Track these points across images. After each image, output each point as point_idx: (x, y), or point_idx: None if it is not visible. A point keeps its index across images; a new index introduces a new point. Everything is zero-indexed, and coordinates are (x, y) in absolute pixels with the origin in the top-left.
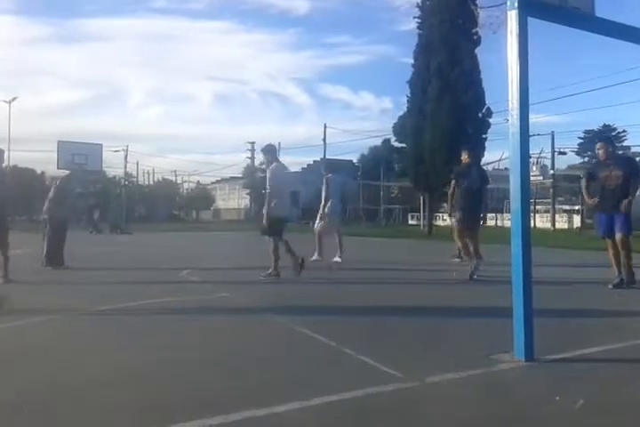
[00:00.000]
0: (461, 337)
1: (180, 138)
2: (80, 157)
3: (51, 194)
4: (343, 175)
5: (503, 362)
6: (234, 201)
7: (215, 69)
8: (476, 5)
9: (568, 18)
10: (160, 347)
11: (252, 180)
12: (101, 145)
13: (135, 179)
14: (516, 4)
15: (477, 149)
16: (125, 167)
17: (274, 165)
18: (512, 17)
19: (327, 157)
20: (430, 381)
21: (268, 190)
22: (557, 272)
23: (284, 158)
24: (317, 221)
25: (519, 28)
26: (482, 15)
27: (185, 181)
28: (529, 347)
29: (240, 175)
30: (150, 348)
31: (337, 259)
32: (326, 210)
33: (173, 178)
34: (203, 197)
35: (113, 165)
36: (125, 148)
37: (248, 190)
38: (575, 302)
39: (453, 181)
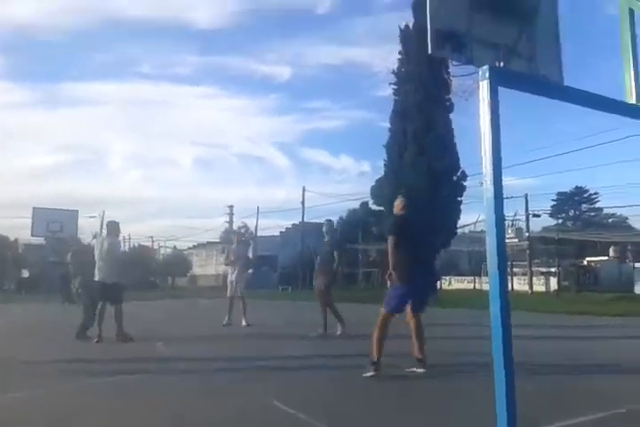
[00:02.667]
0: (442, 413)
1: (159, 202)
2: (55, 225)
3: None
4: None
5: None
6: (211, 267)
7: (197, 133)
8: (448, 74)
9: (538, 87)
10: None
11: (230, 245)
12: (77, 211)
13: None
14: (487, 75)
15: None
16: (101, 234)
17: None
18: (483, 87)
19: (306, 220)
20: None
21: None
22: (538, 336)
23: (263, 222)
24: None
25: (490, 97)
26: (454, 83)
27: (161, 247)
28: (511, 421)
29: (218, 240)
30: None
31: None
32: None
33: (150, 243)
34: (179, 262)
35: (88, 232)
36: (102, 213)
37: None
38: (554, 368)
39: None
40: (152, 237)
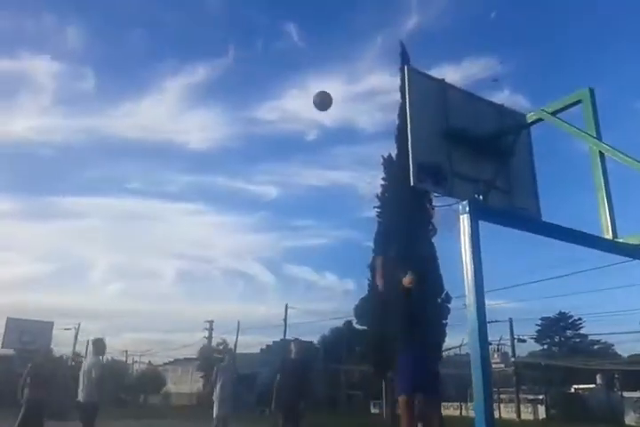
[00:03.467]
0: None
1: (137, 315)
2: (28, 335)
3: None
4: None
5: None
6: (186, 384)
7: (182, 247)
8: (430, 203)
9: (517, 222)
10: None
11: (207, 361)
12: (52, 323)
13: (83, 358)
14: (467, 209)
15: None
16: (75, 346)
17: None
18: (464, 220)
19: (288, 337)
20: None
21: None
22: None
23: (243, 338)
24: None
25: (471, 229)
26: (436, 212)
27: (136, 362)
28: None
29: (195, 356)
30: None
31: None
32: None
33: (124, 358)
34: (153, 379)
35: (61, 344)
36: (77, 326)
37: (202, 373)
38: None
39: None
40: (127, 351)
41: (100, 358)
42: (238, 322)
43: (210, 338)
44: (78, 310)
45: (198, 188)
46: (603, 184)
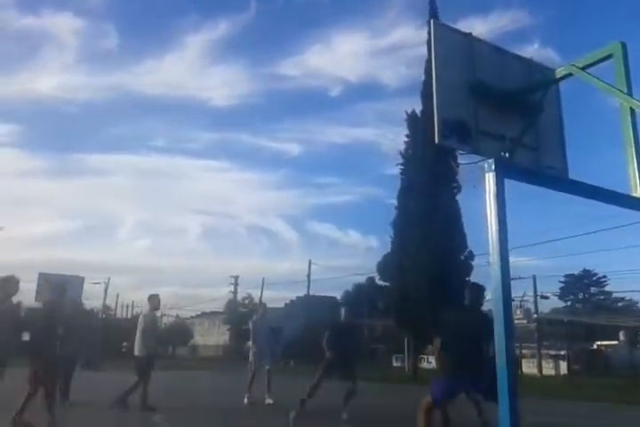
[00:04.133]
0: None
1: (164, 271)
2: (59, 289)
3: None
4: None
5: None
6: (213, 337)
7: (206, 204)
8: (454, 160)
9: (543, 180)
10: None
11: (233, 315)
12: (83, 278)
13: (113, 312)
14: (493, 167)
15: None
16: (105, 300)
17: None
18: (489, 179)
19: (311, 293)
20: None
21: None
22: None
23: (268, 293)
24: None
25: (496, 188)
26: (461, 170)
27: (164, 315)
28: None
29: (221, 310)
30: None
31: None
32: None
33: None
34: (181, 331)
35: (92, 297)
36: (107, 280)
37: (228, 326)
38: None
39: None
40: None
41: (156, 313)
42: (263, 278)
43: (235, 293)
44: (107, 265)
45: (221, 145)
46: (632, 141)
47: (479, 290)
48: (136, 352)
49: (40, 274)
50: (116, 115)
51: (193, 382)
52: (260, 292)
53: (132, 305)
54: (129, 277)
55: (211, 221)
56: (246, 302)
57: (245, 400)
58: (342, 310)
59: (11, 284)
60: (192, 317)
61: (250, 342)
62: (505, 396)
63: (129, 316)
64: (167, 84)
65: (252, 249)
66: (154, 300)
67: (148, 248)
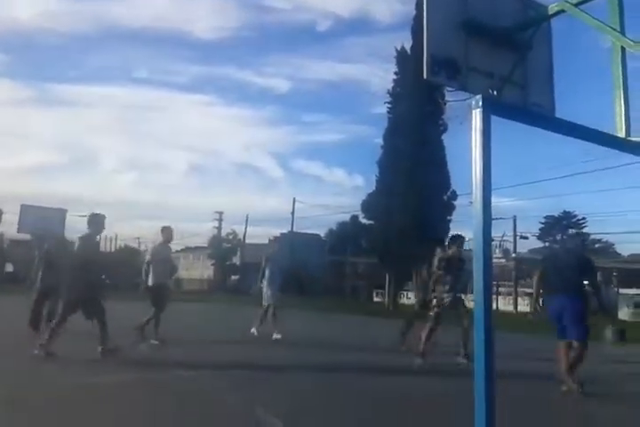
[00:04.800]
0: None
1: (149, 205)
2: (42, 222)
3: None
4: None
5: None
6: (197, 271)
7: (191, 140)
8: (443, 97)
9: (529, 118)
10: None
11: (217, 250)
12: (66, 210)
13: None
14: (480, 104)
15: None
16: None
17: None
18: (476, 115)
19: (295, 230)
20: None
21: None
22: (522, 357)
23: (252, 230)
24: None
25: (483, 125)
26: (448, 107)
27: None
28: None
29: (205, 245)
30: None
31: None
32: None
33: (137, 245)
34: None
35: (75, 231)
36: (90, 213)
37: (213, 261)
38: (543, 389)
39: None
40: (139, 238)
41: (169, 244)
42: (247, 215)
43: (220, 229)
44: (91, 198)
45: (207, 79)
46: (621, 81)
47: (582, 237)
48: (149, 283)
49: (22, 205)
50: (99, 46)
51: (189, 316)
52: (244, 228)
53: (116, 238)
54: (113, 210)
55: (196, 156)
56: (230, 237)
57: (254, 331)
58: None
59: None
60: (177, 251)
61: (262, 278)
62: (480, 329)
63: (113, 249)
64: (152, 15)
65: (237, 186)
66: (166, 232)
67: (132, 182)
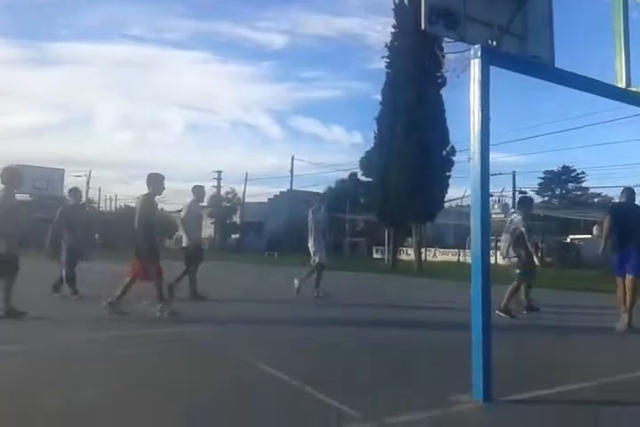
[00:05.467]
0: (423, 377)
1: (147, 165)
2: (41, 182)
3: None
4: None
5: (461, 403)
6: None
7: (188, 98)
8: (441, 49)
9: (529, 68)
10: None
11: (217, 209)
12: (63, 170)
13: (96, 205)
14: (479, 54)
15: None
16: (87, 193)
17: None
18: (475, 65)
19: (294, 188)
20: (389, 422)
21: None
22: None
23: (251, 188)
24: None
25: (481, 75)
26: (447, 60)
27: None
28: (487, 387)
29: (205, 204)
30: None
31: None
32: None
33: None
34: (166, 224)
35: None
36: (88, 173)
37: (212, 220)
38: (540, 339)
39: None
40: (139, 197)
41: (200, 203)
42: (246, 173)
43: (219, 187)
44: (88, 159)
45: (201, 34)
46: (622, 31)
47: (633, 192)
48: (183, 243)
49: (19, 166)
50: (92, 3)
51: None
52: (243, 186)
53: (115, 198)
54: (111, 170)
55: (193, 115)
56: (229, 196)
57: (296, 286)
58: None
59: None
60: (177, 210)
61: (310, 237)
62: (477, 281)
63: (112, 209)
64: None
65: (235, 145)
66: (199, 190)
67: (129, 141)
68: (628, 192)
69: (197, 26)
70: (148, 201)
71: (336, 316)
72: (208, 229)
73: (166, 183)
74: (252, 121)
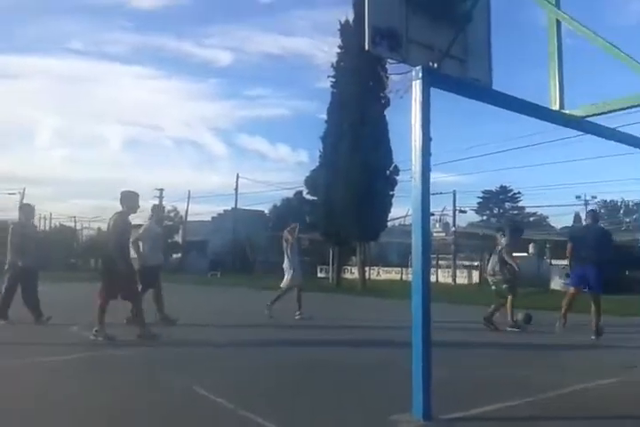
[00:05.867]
0: (364, 397)
1: (84, 182)
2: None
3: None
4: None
5: (401, 422)
6: None
7: (129, 114)
8: (385, 71)
9: (468, 90)
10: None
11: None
12: None
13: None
14: (420, 75)
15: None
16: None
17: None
18: (416, 86)
19: (238, 206)
20: None
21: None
22: (459, 328)
23: (195, 207)
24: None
25: (422, 96)
26: (390, 80)
27: (85, 228)
28: (427, 406)
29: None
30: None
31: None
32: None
33: (72, 224)
34: (104, 244)
35: (6, 209)
36: (22, 190)
37: None
38: (479, 356)
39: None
40: (75, 217)
41: (157, 224)
42: (189, 191)
43: (160, 206)
44: (22, 175)
45: (145, 49)
46: (556, 54)
47: (597, 214)
48: (144, 263)
49: None
50: (33, 16)
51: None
52: (186, 205)
53: (50, 217)
54: (46, 188)
55: (134, 131)
56: (172, 214)
57: (267, 313)
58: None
59: None
60: None
61: (286, 259)
62: (418, 298)
63: (47, 228)
64: None
65: (178, 162)
66: (157, 210)
67: (66, 158)
68: (593, 214)
69: (141, 40)
70: (122, 219)
71: (278, 336)
72: None
73: (106, 202)
74: (197, 138)
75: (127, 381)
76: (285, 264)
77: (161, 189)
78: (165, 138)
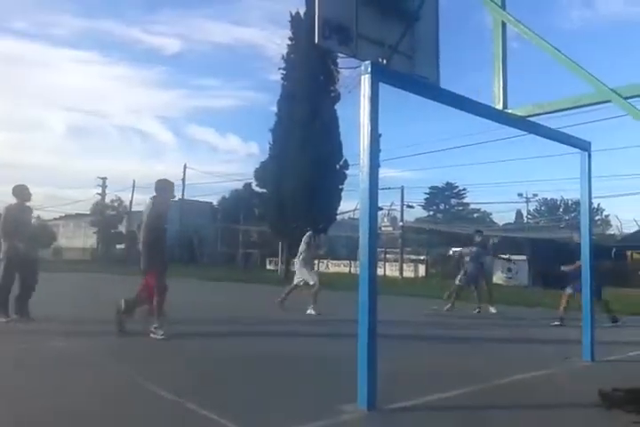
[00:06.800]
0: (310, 389)
1: (23, 168)
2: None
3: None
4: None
5: (346, 413)
6: (79, 240)
7: (72, 99)
8: (335, 65)
9: (415, 87)
10: None
11: (101, 218)
12: None
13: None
14: (369, 70)
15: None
16: None
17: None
18: (365, 81)
19: (186, 198)
20: None
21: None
22: (405, 320)
23: (139, 197)
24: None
25: (371, 91)
26: (340, 75)
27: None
28: (371, 397)
29: (88, 212)
30: None
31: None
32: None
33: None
34: (43, 233)
35: None
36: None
37: (96, 229)
38: (423, 348)
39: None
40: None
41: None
42: (134, 180)
43: (103, 195)
44: None
45: (91, 34)
46: (500, 55)
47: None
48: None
49: None
50: None
51: (59, 285)
52: (130, 195)
53: None
54: None
55: (77, 117)
56: (115, 204)
57: (278, 301)
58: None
59: None
60: (55, 218)
61: (301, 260)
62: (365, 290)
63: None
64: None
65: (123, 151)
66: (18, 191)
67: (5, 143)
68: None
69: (86, 24)
70: (160, 207)
71: (223, 329)
72: (90, 239)
73: (42, 189)
74: (143, 127)
75: (65, 373)
76: (299, 264)
77: (104, 178)
78: (110, 126)
